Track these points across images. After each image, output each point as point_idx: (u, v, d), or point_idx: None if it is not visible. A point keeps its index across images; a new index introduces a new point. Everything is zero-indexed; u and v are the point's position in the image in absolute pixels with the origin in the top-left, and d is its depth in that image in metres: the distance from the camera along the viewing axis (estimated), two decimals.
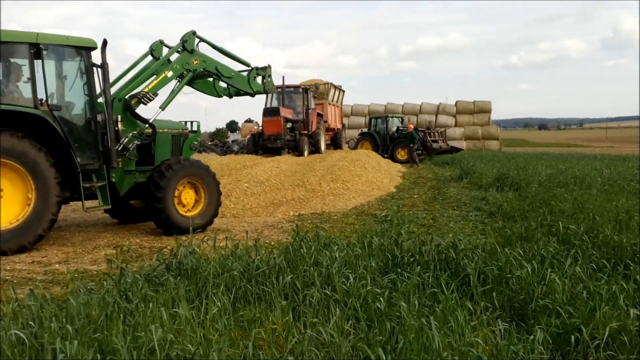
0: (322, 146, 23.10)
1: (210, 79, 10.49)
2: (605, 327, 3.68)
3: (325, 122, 25.03)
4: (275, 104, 22.02)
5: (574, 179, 12.69)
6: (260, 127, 21.99)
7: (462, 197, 12.79)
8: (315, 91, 24.30)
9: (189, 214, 8.94)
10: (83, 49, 8.13)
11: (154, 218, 8.82)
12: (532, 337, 3.65)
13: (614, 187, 11.14)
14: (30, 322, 3.78)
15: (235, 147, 36.30)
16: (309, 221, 10.00)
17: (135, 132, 8.89)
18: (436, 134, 30.70)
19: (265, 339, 3.81)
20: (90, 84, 8.18)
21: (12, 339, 3.46)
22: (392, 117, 31.06)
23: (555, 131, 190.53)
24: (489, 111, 41.92)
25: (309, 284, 4.67)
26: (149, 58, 9.97)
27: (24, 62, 7.70)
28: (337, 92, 28.60)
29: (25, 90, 7.74)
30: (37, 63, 7.65)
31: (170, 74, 9.39)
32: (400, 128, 29.24)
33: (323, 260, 5.10)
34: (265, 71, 11.08)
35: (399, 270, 5.10)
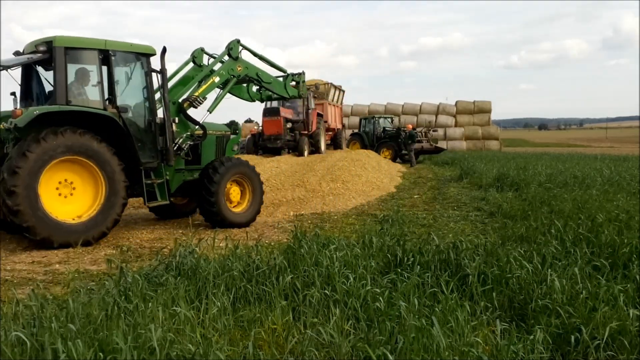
0: (322, 146, 23.10)
1: (244, 84, 11.14)
2: (605, 327, 3.68)
3: (325, 122, 25.03)
4: (275, 104, 22.02)
5: (574, 179, 12.69)
6: (260, 127, 21.98)
7: (462, 197, 12.79)
8: (315, 91, 24.30)
9: (235, 209, 9.62)
10: (144, 55, 8.74)
11: (206, 213, 9.41)
12: (532, 337, 3.65)
13: (613, 187, 11.14)
14: (31, 322, 3.78)
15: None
16: (309, 221, 10.00)
17: (188, 133, 9.55)
18: (420, 133, 30.82)
19: (265, 339, 3.81)
20: (149, 87, 8.80)
21: (12, 339, 3.46)
22: (380, 117, 31.19)
23: (555, 131, 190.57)
24: (489, 111, 41.96)
25: (309, 284, 4.67)
26: (190, 64, 10.46)
27: (92, 67, 8.31)
28: (337, 92, 28.61)
29: (93, 93, 8.30)
30: (105, 68, 8.25)
31: (217, 79, 10.07)
32: (387, 128, 29.45)
33: (323, 260, 5.10)
34: (299, 77, 11.90)
35: (399, 270, 5.10)
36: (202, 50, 10.51)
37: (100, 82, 8.19)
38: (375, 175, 16.38)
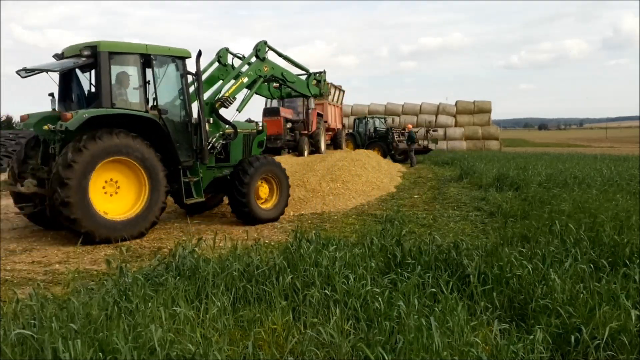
0: (322, 146, 23.08)
1: (266, 83, 11.65)
2: (605, 327, 3.68)
3: (326, 122, 25.00)
4: (275, 104, 21.99)
5: (574, 179, 12.69)
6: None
7: (462, 197, 12.79)
8: None
9: (264, 205, 10.07)
10: (180, 58, 9.10)
11: (237, 211, 9.81)
12: (531, 337, 3.65)
13: (613, 187, 11.14)
14: (31, 322, 3.78)
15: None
16: (309, 221, 10.00)
17: (221, 132, 10.03)
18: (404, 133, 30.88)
19: (265, 339, 3.81)
20: (185, 89, 9.21)
21: (12, 339, 3.46)
22: (373, 118, 31.31)
23: (555, 131, 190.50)
24: (489, 111, 41.95)
25: (309, 284, 4.67)
26: (215, 64, 10.94)
27: (133, 71, 8.71)
28: (337, 92, 28.60)
29: (135, 95, 8.69)
30: (145, 71, 8.66)
31: (245, 79, 10.53)
32: (378, 128, 29.68)
33: (323, 260, 5.10)
34: (321, 76, 12.41)
35: (399, 270, 5.10)
36: (226, 50, 10.97)
37: (142, 85, 8.60)
38: (375, 175, 16.37)
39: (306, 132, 22.24)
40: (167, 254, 7.23)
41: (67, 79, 8.87)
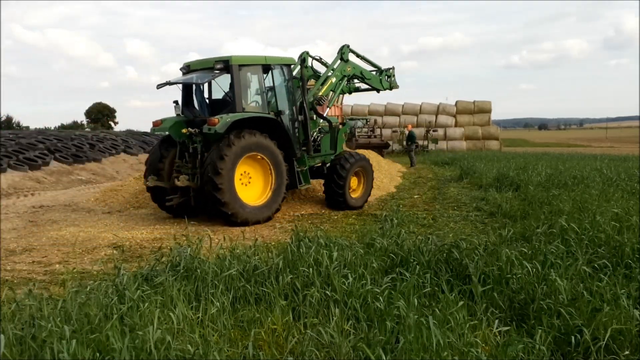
0: None
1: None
2: (607, 328, 3.66)
3: None
4: None
5: (574, 179, 12.67)
6: None
7: (462, 197, 12.77)
8: None
9: (353, 195, 11.55)
10: (287, 66, 10.71)
11: (331, 199, 11.44)
12: (533, 338, 3.64)
13: (612, 187, 11.13)
14: (29, 322, 3.77)
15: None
16: (309, 221, 9.99)
17: (320, 127, 11.76)
18: (367, 128, 30.88)
19: (265, 339, 3.80)
20: (293, 92, 10.81)
21: (11, 339, 3.45)
22: (352, 119, 31.31)
23: (556, 131, 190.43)
24: (489, 111, 41.86)
25: (309, 284, 4.66)
26: (298, 67, 11.98)
27: (256, 79, 10.37)
28: None
29: (258, 100, 10.46)
30: (264, 78, 10.29)
31: (334, 80, 12.17)
32: (357, 128, 29.89)
33: (323, 260, 5.08)
34: (390, 72, 13.57)
35: (400, 270, 5.09)
36: (307, 53, 12.45)
37: (264, 91, 10.28)
38: (375, 175, 16.33)
39: None
40: (166, 253, 7.24)
41: (189, 89, 10.54)
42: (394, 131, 35.26)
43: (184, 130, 9.90)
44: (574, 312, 3.98)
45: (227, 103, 10.11)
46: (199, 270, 4.95)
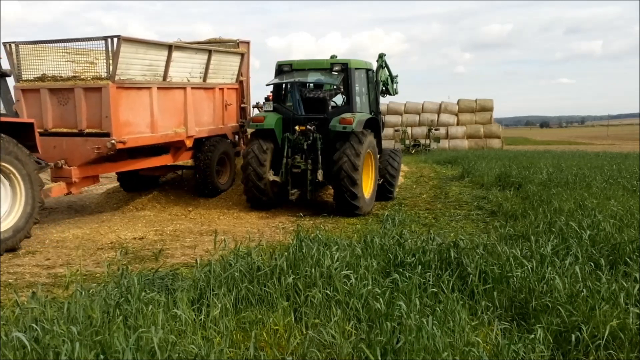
0: None
1: None
2: (606, 326, 3.69)
3: None
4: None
5: (575, 177, 12.67)
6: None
7: (463, 196, 12.77)
8: None
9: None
10: (371, 70, 11.60)
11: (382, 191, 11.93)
12: (532, 336, 3.66)
13: (613, 186, 11.12)
14: (32, 325, 3.80)
15: None
16: (311, 221, 10.01)
17: None
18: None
19: (267, 340, 3.83)
20: (377, 93, 11.97)
21: (14, 342, 3.48)
22: None
23: (557, 129, 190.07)
24: (490, 109, 41.82)
25: (311, 285, 4.68)
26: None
27: (362, 82, 11.20)
28: None
29: (363, 100, 11.29)
30: (367, 82, 11.35)
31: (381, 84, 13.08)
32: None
33: (324, 260, 5.11)
34: (396, 79, 14.26)
35: (401, 270, 5.11)
36: (384, 55, 13.15)
37: (367, 93, 11.35)
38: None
39: None
40: (169, 255, 7.27)
41: (286, 87, 11.17)
42: (396, 130, 35.20)
43: (298, 127, 10.39)
44: (572, 310, 4.00)
45: (320, 101, 10.89)
46: (202, 272, 4.98)
